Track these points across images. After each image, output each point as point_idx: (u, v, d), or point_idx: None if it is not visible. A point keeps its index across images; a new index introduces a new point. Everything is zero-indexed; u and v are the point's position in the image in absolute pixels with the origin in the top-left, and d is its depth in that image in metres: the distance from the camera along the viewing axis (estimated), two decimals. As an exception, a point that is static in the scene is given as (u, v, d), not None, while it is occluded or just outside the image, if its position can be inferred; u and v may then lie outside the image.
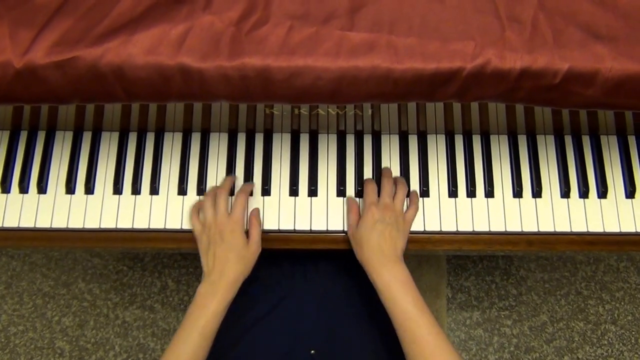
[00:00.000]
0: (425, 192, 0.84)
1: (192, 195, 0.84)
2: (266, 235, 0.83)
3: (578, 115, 0.83)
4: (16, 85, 0.63)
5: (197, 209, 0.81)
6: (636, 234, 0.82)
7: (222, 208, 0.78)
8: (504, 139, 0.86)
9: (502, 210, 0.83)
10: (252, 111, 0.83)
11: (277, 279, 0.89)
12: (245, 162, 0.85)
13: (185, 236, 0.82)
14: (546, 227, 0.82)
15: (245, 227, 0.80)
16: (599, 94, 0.63)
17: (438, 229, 0.82)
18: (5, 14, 0.63)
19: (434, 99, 0.66)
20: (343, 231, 0.83)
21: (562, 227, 0.82)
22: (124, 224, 0.82)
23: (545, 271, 1.55)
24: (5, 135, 0.87)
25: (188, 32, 0.63)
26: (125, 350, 1.49)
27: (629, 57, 0.62)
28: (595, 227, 0.82)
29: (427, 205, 0.83)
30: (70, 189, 0.84)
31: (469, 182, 0.84)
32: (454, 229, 0.82)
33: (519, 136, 0.86)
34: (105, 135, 0.87)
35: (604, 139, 0.86)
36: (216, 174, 0.85)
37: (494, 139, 0.86)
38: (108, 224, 0.82)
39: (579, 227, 0.82)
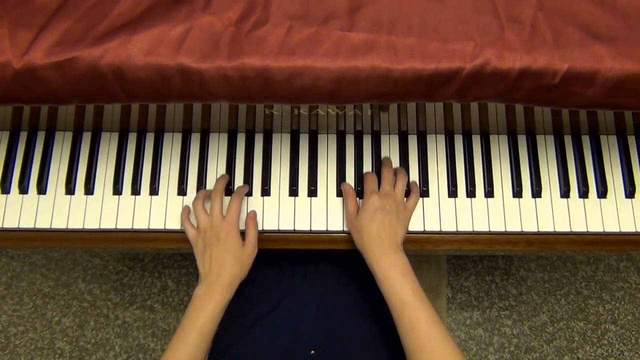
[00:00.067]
0: (425, 192, 0.84)
1: (191, 196, 0.84)
2: (266, 235, 0.83)
3: (578, 115, 0.83)
4: (16, 86, 0.63)
5: (187, 213, 0.81)
6: (636, 233, 0.82)
7: (216, 211, 0.78)
8: (504, 139, 0.86)
9: (501, 210, 0.83)
10: (252, 111, 0.83)
11: (277, 279, 0.89)
12: (244, 162, 0.85)
13: (184, 237, 0.82)
14: (546, 227, 0.82)
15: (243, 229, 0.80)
16: (598, 94, 0.63)
17: (438, 229, 0.82)
18: (4, 14, 0.63)
19: (433, 99, 0.66)
20: (343, 231, 0.83)
21: (562, 227, 0.82)
22: (124, 224, 0.82)
23: (545, 271, 1.55)
24: (5, 135, 0.87)
25: (187, 32, 0.63)
26: (125, 350, 1.49)
27: (629, 57, 0.62)
28: (595, 227, 0.82)
29: (427, 205, 0.83)
30: (70, 189, 0.84)
31: (469, 182, 0.84)
32: (454, 229, 0.82)
33: (518, 136, 0.86)
34: (105, 136, 0.87)
35: (603, 139, 0.86)
36: (216, 175, 0.85)
37: (493, 139, 0.86)
38: (108, 224, 0.82)
39: (579, 227, 0.82)
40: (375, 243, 0.75)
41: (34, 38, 0.62)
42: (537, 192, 0.83)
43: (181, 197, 0.84)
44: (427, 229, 0.82)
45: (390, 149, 0.86)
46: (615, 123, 0.84)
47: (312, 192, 0.84)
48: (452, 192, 0.83)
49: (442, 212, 0.83)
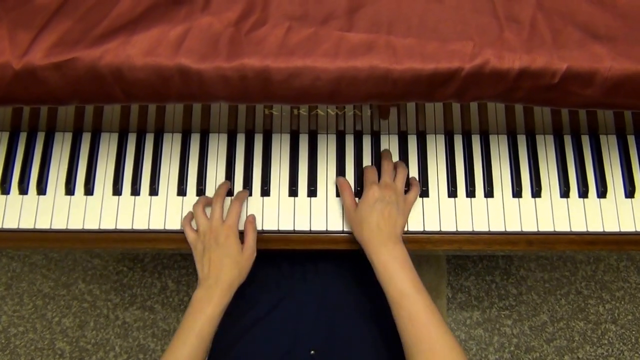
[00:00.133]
0: (424, 192, 0.84)
1: (191, 196, 0.84)
2: (266, 235, 0.83)
3: (577, 115, 0.83)
4: (15, 87, 0.63)
5: (189, 220, 0.82)
6: (636, 233, 0.82)
7: (217, 214, 0.78)
8: (504, 139, 0.86)
9: (501, 210, 0.83)
10: (252, 112, 0.83)
11: (276, 279, 0.89)
12: (244, 162, 0.85)
13: (184, 237, 0.82)
14: (546, 226, 0.82)
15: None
16: (598, 93, 0.63)
17: (438, 229, 0.82)
18: (4, 15, 0.63)
19: (433, 99, 0.66)
20: (342, 231, 0.83)
21: (562, 226, 0.82)
22: (124, 224, 0.82)
23: (545, 271, 1.55)
24: (5, 136, 0.87)
25: (187, 33, 0.63)
26: (125, 350, 1.49)
27: (628, 57, 0.62)
28: (595, 226, 0.82)
29: (427, 205, 0.83)
30: (69, 190, 0.84)
31: (469, 182, 0.84)
32: (454, 229, 0.82)
33: (518, 136, 0.86)
34: (104, 136, 0.87)
35: (603, 139, 0.86)
36: (215, 175, 0.85)
37: (493, 139, 0.86)
38: (108, 225, 0.82)
39: (579, 226, 0.82)
40: (375, 234, 0.74)
41: (33, 39, 0.62)
42: (536, 192, 0.83)
43: (181, 197, 0.84)
44: (427, 229, 0.82)
45: (390, 149, 0.86)
46: (615, 123, 0.84)
47: (312, 192, 0.84)
48: (452, 192, 0.83)
49: (441, 212, 0.83)
